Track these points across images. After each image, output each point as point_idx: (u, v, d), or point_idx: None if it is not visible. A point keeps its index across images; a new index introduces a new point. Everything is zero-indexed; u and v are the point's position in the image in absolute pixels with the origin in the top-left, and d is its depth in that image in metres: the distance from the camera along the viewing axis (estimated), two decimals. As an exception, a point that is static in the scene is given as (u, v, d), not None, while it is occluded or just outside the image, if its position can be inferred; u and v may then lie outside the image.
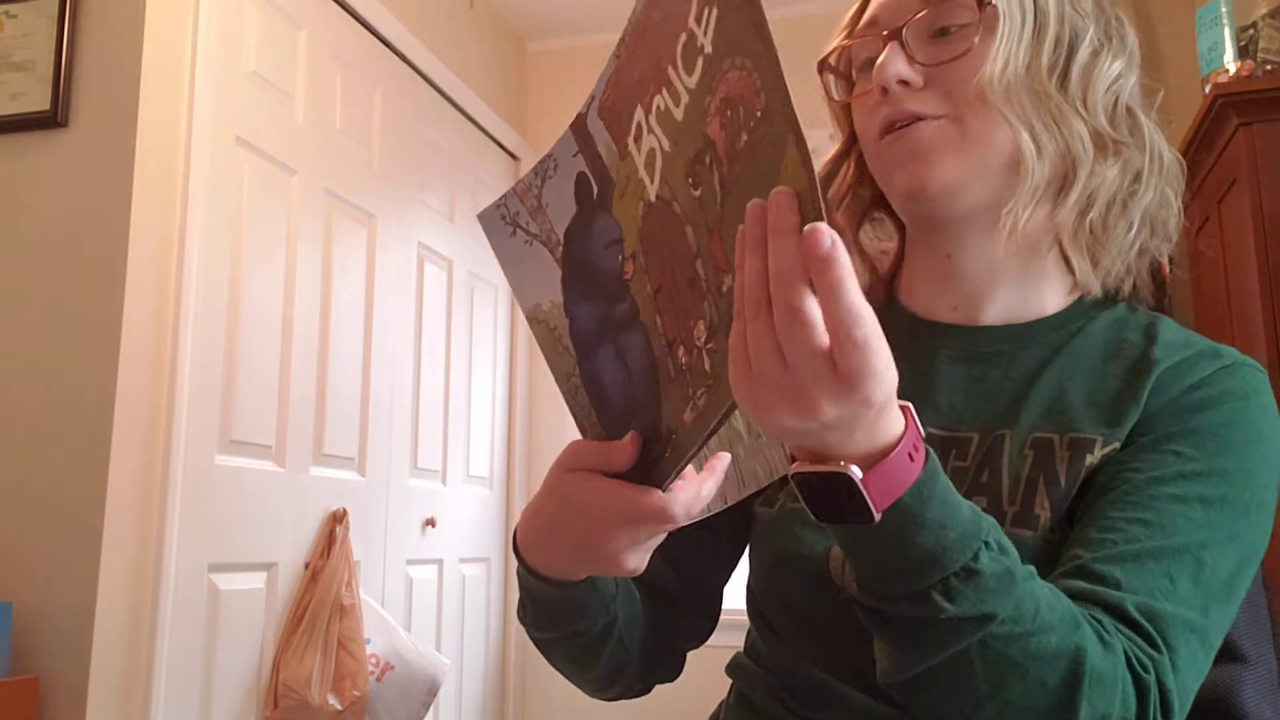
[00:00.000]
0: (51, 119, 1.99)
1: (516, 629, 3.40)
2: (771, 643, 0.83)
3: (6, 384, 1.95)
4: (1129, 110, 0.81)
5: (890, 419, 0.55)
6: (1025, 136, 0.76)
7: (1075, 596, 0.65)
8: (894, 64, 0.77)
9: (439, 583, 3.01)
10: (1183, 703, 0.64)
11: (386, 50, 2.87)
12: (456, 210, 3.24)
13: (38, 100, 2.00)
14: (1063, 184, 0.79)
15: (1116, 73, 0.80)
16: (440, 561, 3.03)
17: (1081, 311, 0.82)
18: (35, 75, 2.01)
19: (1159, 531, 0.67)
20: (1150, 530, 0.67)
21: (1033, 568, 0.63)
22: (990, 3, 0.76)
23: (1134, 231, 0.81)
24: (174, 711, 1.98)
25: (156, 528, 1.96)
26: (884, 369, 0.51)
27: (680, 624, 0.87)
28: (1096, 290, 0.82)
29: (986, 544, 0.59)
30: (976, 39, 0.76)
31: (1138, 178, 0.80)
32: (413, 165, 2.98)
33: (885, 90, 0.78)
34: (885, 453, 0.55)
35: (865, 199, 0.90)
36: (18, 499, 1.89)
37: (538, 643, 0.78)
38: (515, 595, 3.20)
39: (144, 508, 1.95)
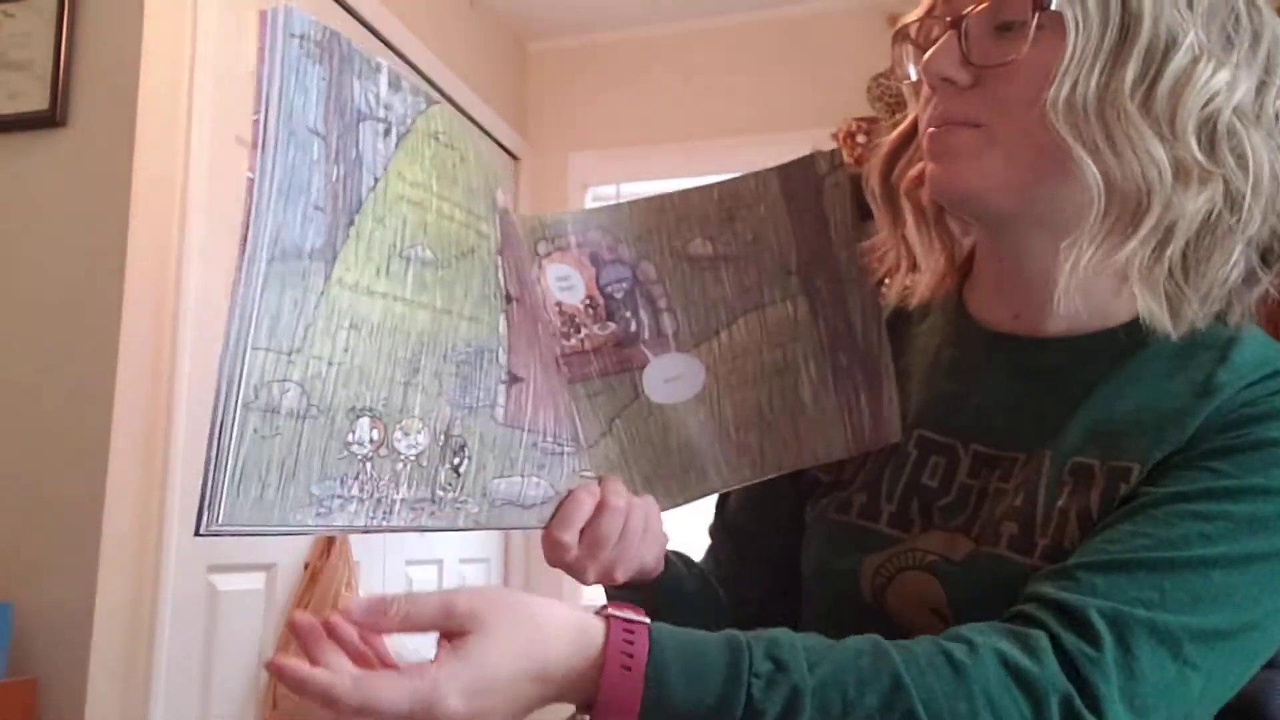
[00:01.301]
0: (50, 118, 1.98)
1: (517, 629, 3.39)
2: None
3: (5, 383, 1.94)
4: (1231, 130, 0.66)
5: (565, 667, 0.56)
6: (1090, 165, 0.65)
7: (1031, 600, 0.61)
8: (939, 60, 0.70)
9: (439, 583, 3.00)
10: (1135, 707, 0.57)
11: (386, 50, 2.86)
12: (456, 210, 3.22)
13: (36, 100, 1.99)
14: (1135, 214, 0.66)
15: (1220, 85, 0.65)
16: (440, 562, 3.02)
17: None
18: (33, 74, 2.00)
19: (1165, 545, 0.61)
20: (1154, 543, 0.62)
21: (841, 645, 0.59)
22: (1049, 6, 0.65)
23: (1231, 265, 0.69)
24: (173, 712, 1.98)
25: (156, 528, 1.96)
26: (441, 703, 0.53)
27: (764, 618, 0.87)
28: (1170, 333, 0.69)
29: (756, 676, 0.56)
30: (1025, 47, 0.66)
31: (1236, 206, 0.67)
32: (413, 165, 2.97)
33: (933, 86, 0.72)
34: (596, 684, 0.56)
35: None
36: (17, 499, 1.89)
37: None
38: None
39: (143, 507, 1.94)
